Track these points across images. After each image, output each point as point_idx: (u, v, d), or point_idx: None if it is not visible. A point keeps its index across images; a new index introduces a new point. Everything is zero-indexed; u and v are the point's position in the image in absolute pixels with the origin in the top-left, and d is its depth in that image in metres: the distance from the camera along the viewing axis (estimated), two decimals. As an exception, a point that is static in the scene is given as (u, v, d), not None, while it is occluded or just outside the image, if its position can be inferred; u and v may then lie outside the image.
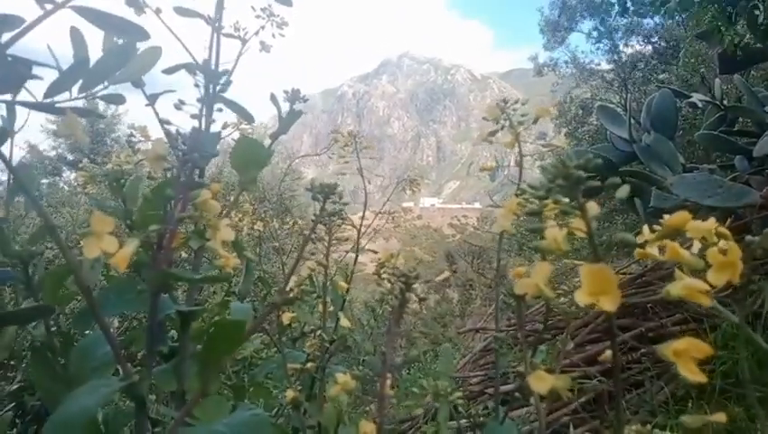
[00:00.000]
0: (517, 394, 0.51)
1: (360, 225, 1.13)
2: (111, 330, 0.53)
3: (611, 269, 0.28)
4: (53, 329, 0.56)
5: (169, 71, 0.68)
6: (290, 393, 0.63)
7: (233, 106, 0.72)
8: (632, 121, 2.54)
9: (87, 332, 0.62)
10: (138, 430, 0.41)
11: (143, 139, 1.02)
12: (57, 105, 0.50)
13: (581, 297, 0.27)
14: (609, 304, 0.27)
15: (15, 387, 0.66)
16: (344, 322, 0.66)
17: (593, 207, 0.30)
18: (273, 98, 0.75)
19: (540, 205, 0.36)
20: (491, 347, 2.99)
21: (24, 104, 0.46)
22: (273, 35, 0.83)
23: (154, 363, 0.42)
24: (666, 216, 0.36)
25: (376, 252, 1.33)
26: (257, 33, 0.81)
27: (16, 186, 0.49)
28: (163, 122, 0.49)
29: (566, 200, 0.32)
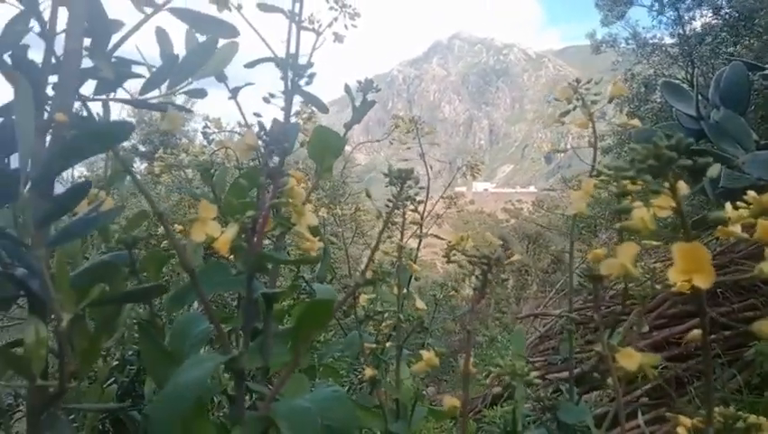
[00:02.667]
0: (595, 375, 0.52)
1: (424, 210, 1.14)
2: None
3: (704, 248, 0.28)
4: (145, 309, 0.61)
5: (250, 65, 0.72)
6: (369, 371, 0.66)
7: (310, 97, 0.74)
8: (700, 97, 2.41)
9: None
10: (237, 401, 0.44)
11: (216, 131, 1.07)
12: (149, 101, 0.54)
13: (674, 276, 0.27)
14: (703, 281, 0.28)
15: (115, 364, 0.72)
16: (419, 304, 0.68)
17: (683, 187, 0.30)
18: (347, 88, 0.77)
19: (625, 186, 0.36)
20: (551, 333, 2.95)
21: (122, 101, 0.50)
22: (345, 26, 0.85)
23: (250, 339, 0.46)
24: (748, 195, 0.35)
25: (442, 238, 1.34)
26: (330, 25, 0.83)
27: (117, 175, 0.54)
28: (255, 114, 0.52)
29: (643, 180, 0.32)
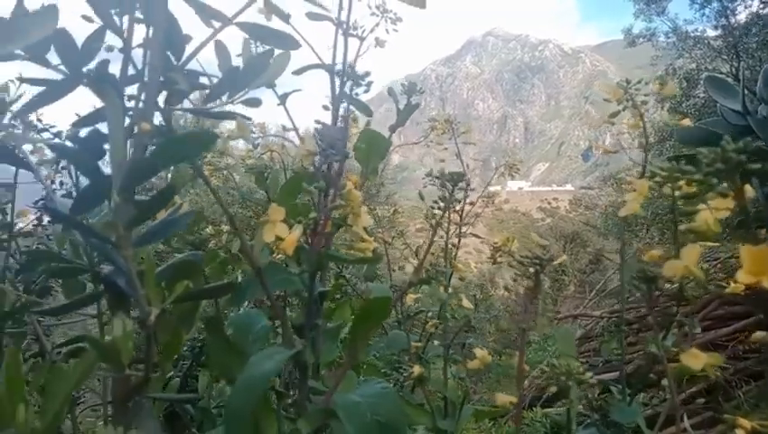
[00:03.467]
0: (652, 376, 0.52)
1: (462, 210, 1.15)
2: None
3: (771, 250, 0.29)
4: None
5: (298, 72, 0.74)
6: (417, 369, 0.68)
7: (357, 103, 0.77)
8: (746, 92, 2.33)
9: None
10: (301, 392, 0.47)
11: (261, 135, 1.10)
12: (212, 110, 0.57)
13: (743, 277, 0.28)
14: (771, 283, 0.28)
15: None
16: (466, 303, 0.69)
17: (749, 190, 0.31)
18: (391, 91, 0.78)
19: (682, 188, 0.37)
20: (592, 334, 2.91)
21: (192, 111, 0.53)
22: (387, 31, 0.87)
23: (312, 334, 0.48)
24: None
25: (480, 237, 1.34)
26: (372, 31, 0.85)
27: (181, 179, 0.57)
28: (316, 122, 0.54)
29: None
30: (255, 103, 0.64)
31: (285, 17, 0.51)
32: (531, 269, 0.44)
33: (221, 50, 0.59)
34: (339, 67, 0.76)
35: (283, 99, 0.80)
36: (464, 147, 1.35)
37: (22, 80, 0.51)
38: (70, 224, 0.37)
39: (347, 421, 0.46)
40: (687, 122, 0.64)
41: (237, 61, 0.62)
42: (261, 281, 0.44)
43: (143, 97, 0.43)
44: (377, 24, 0.86)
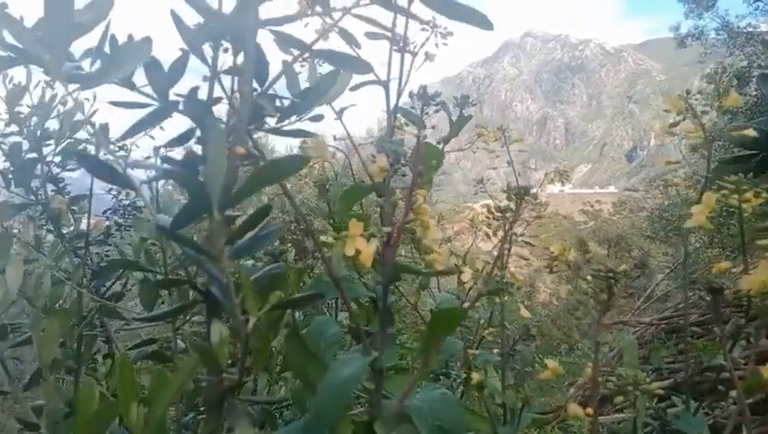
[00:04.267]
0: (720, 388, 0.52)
1: (515, 215, 1.16)
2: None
3: None
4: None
5: (355, 88, 0.77)
6: (476, 376, 0.69)
7: (411, 115, 0.79)
8: (804, 90, 2.24)
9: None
10: (375, 397, 0.49)
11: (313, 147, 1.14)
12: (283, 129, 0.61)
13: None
14: None
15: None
16: (524, 313, 0.71)
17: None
18: (444, 104, 0.81)
19: (756, 200, 0.38)
20: (641, 341, 2.84)
21: (271, 131, 0.56)
22: (436, 45, 0.89)
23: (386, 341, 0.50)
24: None
25: (532, 244, 1.34)
26: (422, 45, 0.87)
27: (247, 189, 0.60)
28: (394, 133, 0.57)
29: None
30: (318, 119, 0.67)
31: (357, 43, 0.54)
32: (604, 283, 0.45)
33: (290, 71, 0.63)
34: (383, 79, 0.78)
35: (340, 113, 0.84)
36: (502, 149, 1.36)
37: (114, 103, 0.55)
38: (174, 238, 0.41)
39: (420, 424, 0.48)
40: (750, 132, 0.63)
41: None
42: (340, 291, 0.47)
43: (232, 121, 0.47)
44: (427, 39, 0.88)
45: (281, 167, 0.38)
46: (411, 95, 0.50)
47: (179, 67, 0.54)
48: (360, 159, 0.85)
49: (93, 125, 0.98)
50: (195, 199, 0.39)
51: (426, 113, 0.61)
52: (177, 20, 0.47)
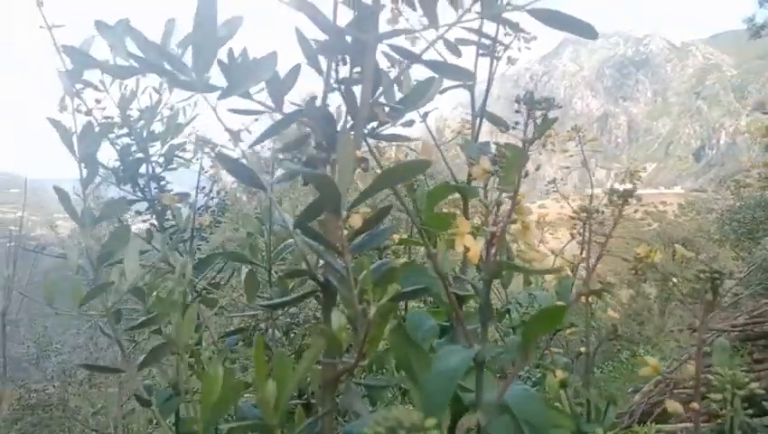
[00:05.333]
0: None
1: (588, 217, 1.16)
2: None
3: None
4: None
5: (441, 92, 0.81)
6: (560, 373, 0.71)
7: (494, 118, 0.81)
8: None
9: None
10: (478, 387, 0.52)
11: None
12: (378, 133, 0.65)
13: None
14: None
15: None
16: (612, 313, 0.72)
17: None
18: (534, 106, 0.82)
19: None
20: (713, 349, 2.71)
21: (369, 135, 0.60)
22: (519, 49, 0.91)
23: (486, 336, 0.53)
24: None
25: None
26: (505, 50, 0.89)
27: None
28: (496, 144, 0.60)
29: None
30: (409, 124, 0.71)
31: (459, 53, 0.57)
32: (708, 284, 0.46)
33: (387, 80, 0.67)
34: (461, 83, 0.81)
35: (425, 116, 0.87)
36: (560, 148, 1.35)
37: (232, 111, 0.61)
38: (305, 232, 0.45)
39: (518, 412, 0.51)
40: None
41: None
42: (444, 285, 0.51)
43: (346, 126, 0.51)
44: (510, 43, 0.90)
45: (407, 169, 0.42)
46: (518, 99, 0.52)
47: (292, 77, 0.59)
48: (444, 160, 0.88)
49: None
50: (325, 198, 0.43)
51: (535, 117, 0.63)
52: (301, 36, 0.52)
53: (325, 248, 0.45)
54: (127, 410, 4.37)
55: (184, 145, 1.05)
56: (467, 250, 0.47)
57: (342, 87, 0.53)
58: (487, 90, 0.77)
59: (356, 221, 0.49)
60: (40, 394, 4.37)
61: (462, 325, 0.52)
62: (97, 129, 0.85)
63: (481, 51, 0.86)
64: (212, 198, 1.19)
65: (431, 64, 0.54)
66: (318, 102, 0.54)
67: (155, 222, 0.99)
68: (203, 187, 1.18)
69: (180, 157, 1.07)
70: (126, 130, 0.99)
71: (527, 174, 0.48)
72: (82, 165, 0.84)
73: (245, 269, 0.94)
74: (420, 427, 0.23)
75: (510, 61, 0.92)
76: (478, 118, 0.77)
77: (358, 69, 0.57)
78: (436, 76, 0.70)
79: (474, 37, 0.69)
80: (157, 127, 1.04)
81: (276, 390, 0.44)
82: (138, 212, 1.01)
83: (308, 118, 0.51)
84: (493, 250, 0.51)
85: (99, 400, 4.49)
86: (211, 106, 0.50)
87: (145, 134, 1.01)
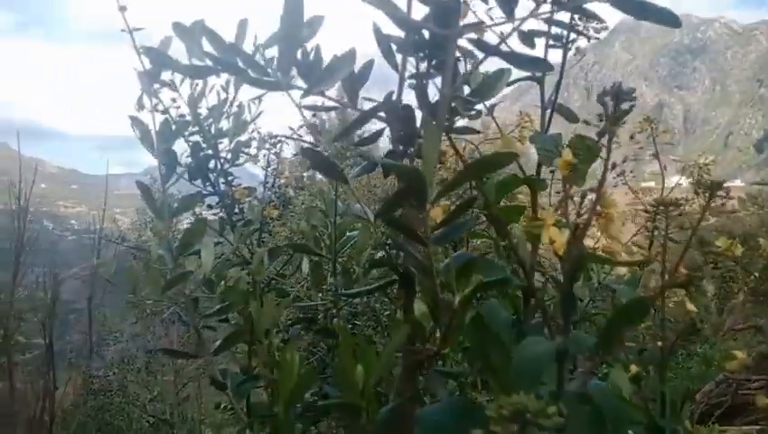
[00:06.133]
0: None
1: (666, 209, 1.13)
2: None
3: None
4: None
5: (510, 84, 0.80)
6: (633, 367, 0.70)
7: (565, 110, 0.80)
8: None
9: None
10: (560, 379, 0.52)
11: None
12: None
13: None
14: None
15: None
16: (690, 306, 0.70)
17: None
18: (601, 98, 0.81)
19: None
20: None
21: (446, 130, 0.61)
22: (588, 39, 0.89)
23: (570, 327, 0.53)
24: None
25: (676, 241, 1.30)
26: (574, 41, 0.87)
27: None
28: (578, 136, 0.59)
29: None
30: (477, 116, 0.71)
31: (533, 44, 0.57)
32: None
33: (457, 74, 0.67)
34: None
35: (491, 108, 0.87)
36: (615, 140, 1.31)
37: (307, 107, 0.63)
38: (390, 223, 0.46)
39: (601, 404, 0.51)
40: None
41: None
42: (527, 276, 0.51)
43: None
44: (580, 34, 0.88)
45: (494, 162, 0.43)
46: (604, 92, 0.51)
47: (365, 73, 0.60)
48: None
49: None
50: (410, 189, 0.44)
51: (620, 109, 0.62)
52: (378, 33, 0.53)
53: (408, 238, 0.46)
54: (182, 397, 4.55)
55: (251, 141, 1.09)
56: (552, 241, 0.47)
57: (416, 81, 0.54)
58: (559, 82, 0.76)
59: (436, 213, 0.50)
60: (102, 380, 4.62)
61: (546, 315, 0.52)
62: (173, 127, 0.90)
63: (551, 42, 0.84)
64: (275, 192, 1.23)
65: (509, 56, 0.54)
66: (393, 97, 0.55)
67: (224, 215, 1.03)
68: (266, 181, 1.22)
69: (245, 153, 1.11)
70: (196, 128, 1.03)
71: (614, 166, 0.48)
72: (160, 160, 0.88)
73: (306, 261, 0.97)
74: (542, 411, 0.24)
75: (580, 51, 0.90)
76: (548, 111, 0.76)
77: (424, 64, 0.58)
78: (506, 68, 0.70)
79: (545, 28, 0.68)
80: (223, 124, 1.09)
81: (363, 374, 0.46)
82: (210, 206, 1.05)
83: (385, 113, 0.52)
84: (578, 242, 0.51)
85: (156, 387, 4.72)
86: (296, 104, 0.52)
87: (213, 131, 1.05)
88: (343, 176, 0.50)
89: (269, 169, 1.20)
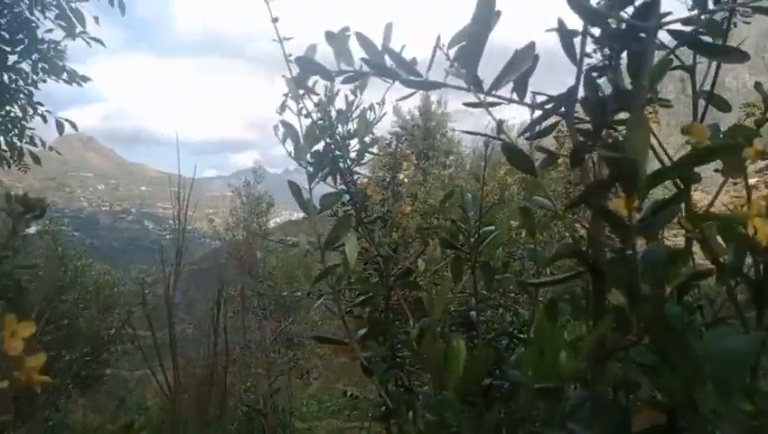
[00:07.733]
0: None
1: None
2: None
3: None
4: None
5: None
6: None
7: (718, 100, 0.78)
8: None
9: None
10: (755, 372, 0.51)
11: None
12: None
13: None
14: None
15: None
16: None
17: None
18: (758, 86, 0.78)
19: None
20: None
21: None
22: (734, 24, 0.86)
23: None
24: None
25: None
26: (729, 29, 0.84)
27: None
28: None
29: None
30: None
31: (721, 34, 0.56)
32: None
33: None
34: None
35: (655, 96, 0.85)
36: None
37: (467, 104, 0.65)
38: (594, 209, 0.48)
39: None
40: None
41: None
42: (722, 268, 0.50)
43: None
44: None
45: (716, 150, 0.43)
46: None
47: (531, 66, 0.62)
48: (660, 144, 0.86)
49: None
50: (619, 177, 0.45)
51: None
52: (562, 27, 0.54)
53: (612, 226, 0.47)
54: (274, 389, 4.77)
55: (377, 140, 1.13)
56: (756, 231, 0.47)
57: (600, 74, 0.55)
58: (716, 73, 0.74)
59: (618, 204, 0.51)
60: (202, 370, 4.93)
61: (738, 307, 0.51)
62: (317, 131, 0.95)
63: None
64: (395, 189, 1.27)
65: (704, 46, 0.53)
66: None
67: (354, 212, 1.08)
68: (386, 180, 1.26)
69: (371, 152, 1.15)
70: (329, 130, 1.08)
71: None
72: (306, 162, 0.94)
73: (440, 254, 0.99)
74: None
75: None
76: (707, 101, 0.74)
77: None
78: (668, 59, 0.69)
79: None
80: (350, 125, 1.14)
81: (566, 358, 0.47)
82: (343, 203, 1.10)
83: (587, 109, 0.53)
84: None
85: (250, 379, 4.98)
86: (483, 103, 0.54)
87: (343, 132, 1.11)
88: (534, 169, 0.52)
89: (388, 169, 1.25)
